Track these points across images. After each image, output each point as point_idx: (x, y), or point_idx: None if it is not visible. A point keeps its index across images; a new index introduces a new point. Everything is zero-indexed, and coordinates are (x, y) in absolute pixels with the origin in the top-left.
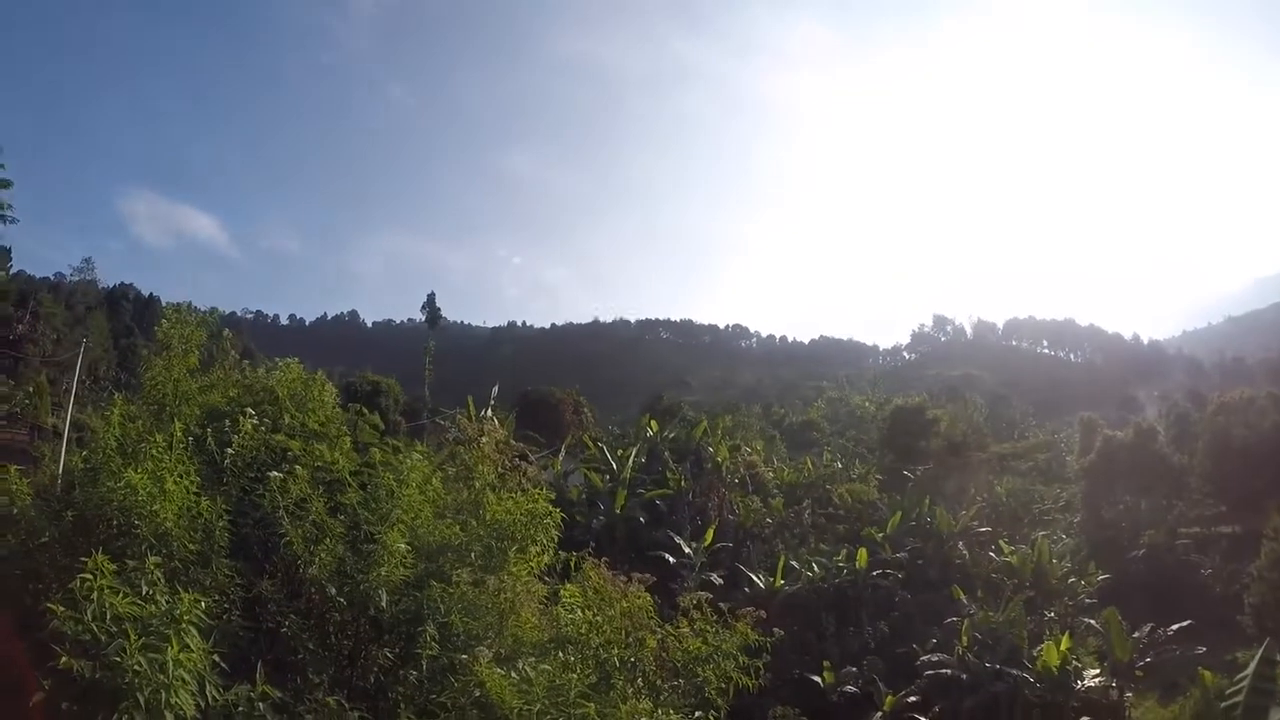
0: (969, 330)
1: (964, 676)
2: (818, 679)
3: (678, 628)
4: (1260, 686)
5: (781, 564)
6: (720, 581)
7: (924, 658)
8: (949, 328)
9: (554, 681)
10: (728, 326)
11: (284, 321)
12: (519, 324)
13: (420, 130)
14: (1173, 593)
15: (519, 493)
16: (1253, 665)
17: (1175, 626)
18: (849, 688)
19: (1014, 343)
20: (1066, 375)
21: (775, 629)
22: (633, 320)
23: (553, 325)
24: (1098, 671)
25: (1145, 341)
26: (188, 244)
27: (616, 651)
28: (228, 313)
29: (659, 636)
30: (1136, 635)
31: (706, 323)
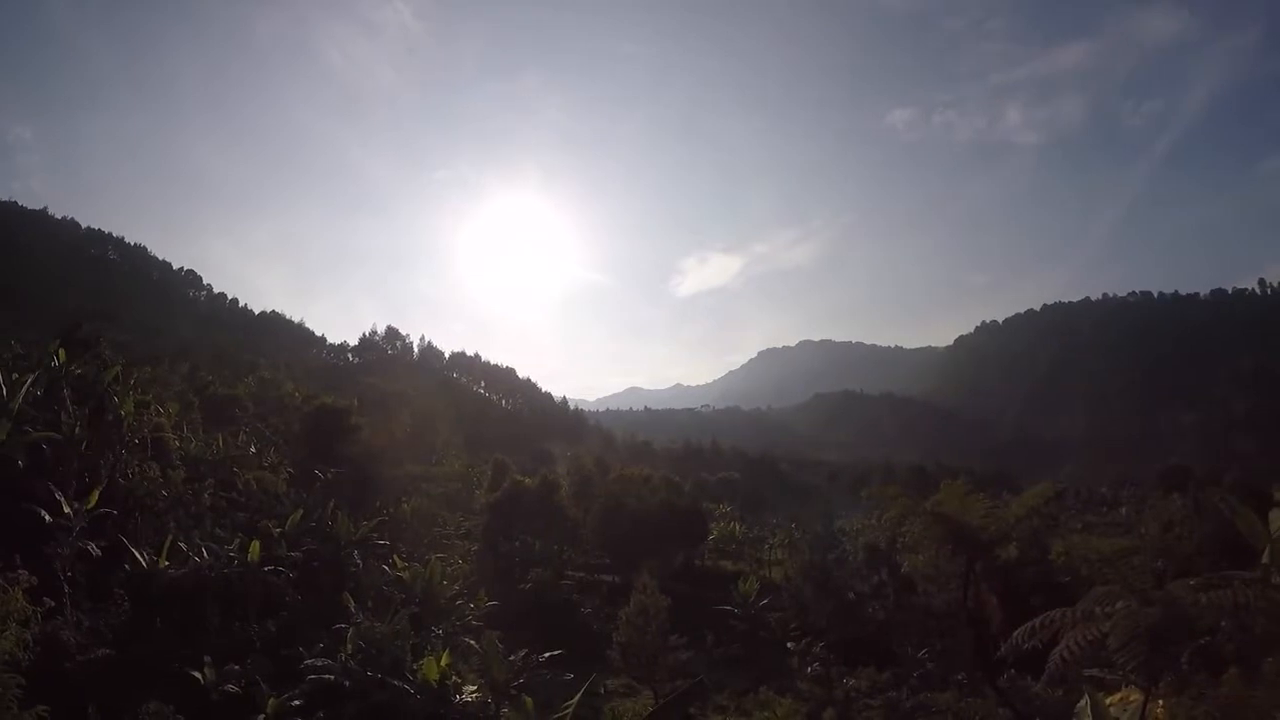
0: (416, 351)
1: (347, 683)
2: (198, 674)
3: None
4: (580, 714)
5: (168, 544)
6: (99, 553)
7: (309, 661)
8: (399, 343)
9: None
10: (182, 269)
11: None
12: None
13: None
14: (553, 624)
15: None
16: (579, 695)
17: (548, 654)
18: (230, 687)
19: (455, 375)
20: (495, 417)
21: (154, 616)
22: (84, 225)
23: None
24: (475, 688)
25: (571, 407)
26: None
27: None
28: None
29: None
30: (513, 658)
31: (161, 258)
